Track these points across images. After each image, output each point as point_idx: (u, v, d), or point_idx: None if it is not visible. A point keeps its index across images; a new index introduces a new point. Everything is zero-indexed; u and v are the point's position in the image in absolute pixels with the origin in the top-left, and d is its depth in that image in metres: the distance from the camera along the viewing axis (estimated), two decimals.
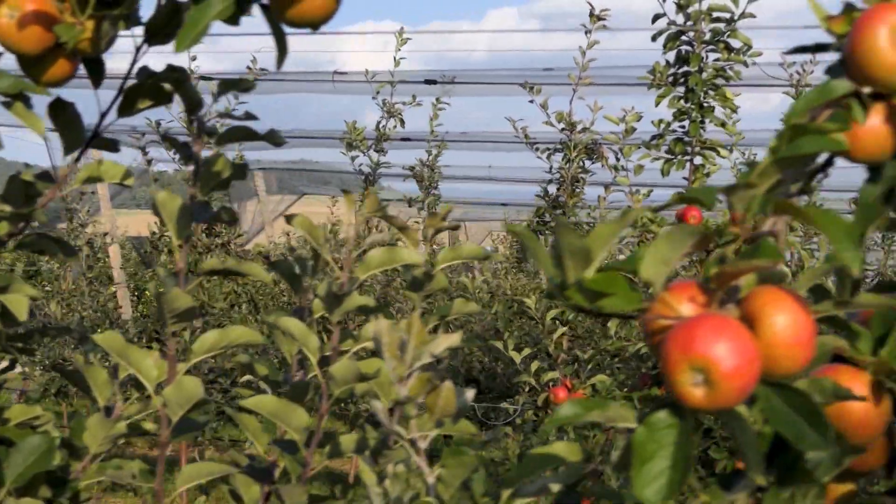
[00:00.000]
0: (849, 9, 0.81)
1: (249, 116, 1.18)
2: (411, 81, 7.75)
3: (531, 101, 6.05)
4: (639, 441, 0.73)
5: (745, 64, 3.57)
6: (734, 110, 3.55)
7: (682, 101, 3.52)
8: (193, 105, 1.16)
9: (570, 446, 0.87)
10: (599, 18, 5.26)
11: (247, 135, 1.20)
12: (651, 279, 0.73)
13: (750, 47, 3.53)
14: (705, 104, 3.53)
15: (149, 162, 6.31)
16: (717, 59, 3.52)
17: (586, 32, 5.41)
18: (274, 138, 1.19)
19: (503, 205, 14.42)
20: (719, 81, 3.52)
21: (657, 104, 3.58)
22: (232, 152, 7.32)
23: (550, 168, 5.25)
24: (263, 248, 9.15)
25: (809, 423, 0.73)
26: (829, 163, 0.87)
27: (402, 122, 6.49)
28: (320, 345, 1.23)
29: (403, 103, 6.50)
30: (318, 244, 1.20)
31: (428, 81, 7.59)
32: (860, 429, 0.85)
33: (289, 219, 1.20)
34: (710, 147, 3.54)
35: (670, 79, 3.57)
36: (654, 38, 3.54)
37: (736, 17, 3.51)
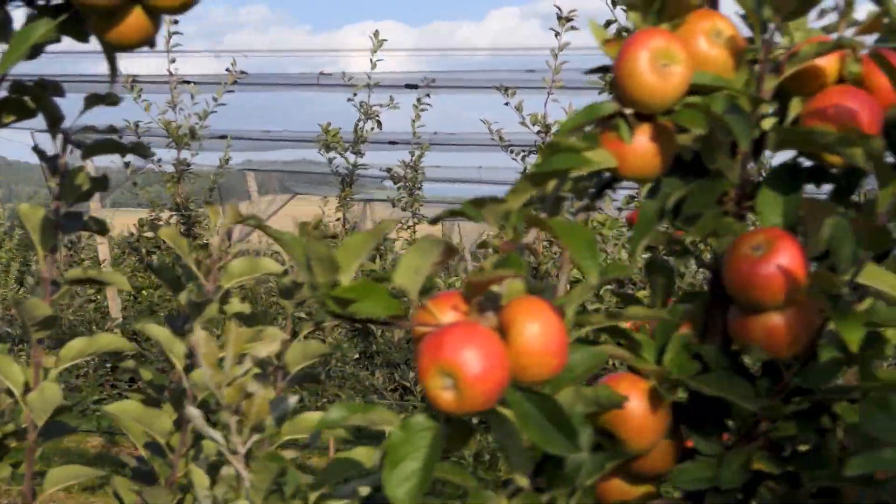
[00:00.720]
0: (620, 33, 0.85)
1: (112, 130, 1.22)
2: (389, 85, 7.79)
3: (506, 104, 6.11)
4: (393, 443, 0.77)
5: None
6: None
7: None
8: (54, 120, 1.20)
9: (370, 451, 0.91)
10: (568, 20, 5.30)
11: (114, 147, 1.24)
12: (405, 287, 0.77)
13: None
14: None
15: (126, 164, 6.35)
16: None
17: (556, 35, 5.46)
18: (140, 150, 1.24)
19: None
20: None
21: None
22: (219, 152, 7.38)
23: (524, 170, 5.27)
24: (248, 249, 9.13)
25: (558, 428, 0.77)
26: (613, 180, 0.91)
27: (380, 123, 6.54)
28: (187, 351, 1.28)
29: (381, 105, 6.55)
30: (184, 254, 1.24)
31: (409, 86, 7.62)
32: (639, 434, 0.89)
33: (154, 229, 1.24)
34: None
35: None
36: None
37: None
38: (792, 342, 0.85)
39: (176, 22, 6.43)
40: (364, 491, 0.94)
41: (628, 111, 0.83)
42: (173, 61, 6.52)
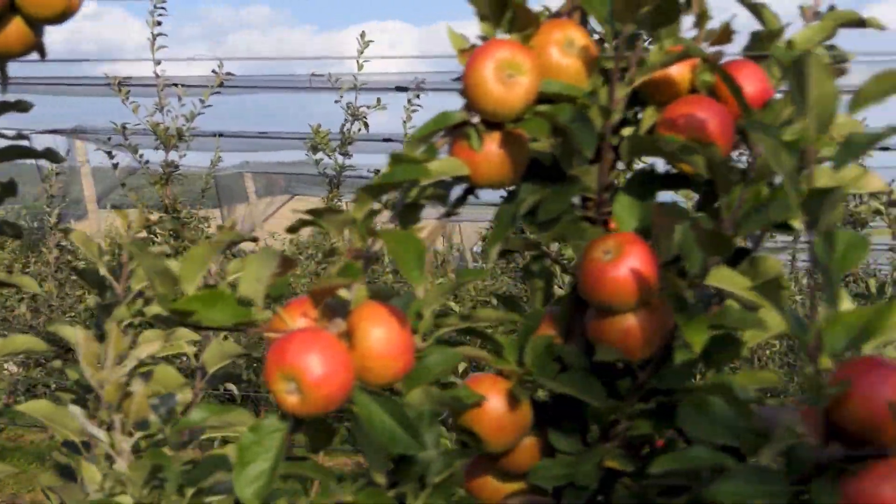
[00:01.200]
0: (474, 45, 0.88)
1: (21, 136, 1.24)
2: (379, 88, 7.82)
3: None
4: (244, 445, 0.80)
5: None
6: None
7: None
8: None
9: None
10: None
11: (23, 153, 1.26)
12: (250, 296, 0.80)
13: None
14: None
15: (115, 166, 6.38)
16: None
17: None
18: (51, 156, 1.26)
19: (495, 205, 14.48)
20: None
21: None
22: (211, 153, 7.41)
23: None
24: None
25: (402, 428, 0.79)
26: (469, 192, 0.93)
27: (367, 125, 6.56)
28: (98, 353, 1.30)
29: (368, 107, 6.58)
30: (94, 258, 1.27)
31: (399, 88, 7.64)
32: (498, 432, 0.92)
33: (65, 232, 1.27)
34: None
35: None
36: None
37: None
38: (644, 344, 0.88)
39: (159, 23, 6.47)
40: None
41: (476, 120, 0.85)
42: (159, 63, 6.55)
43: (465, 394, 0.89)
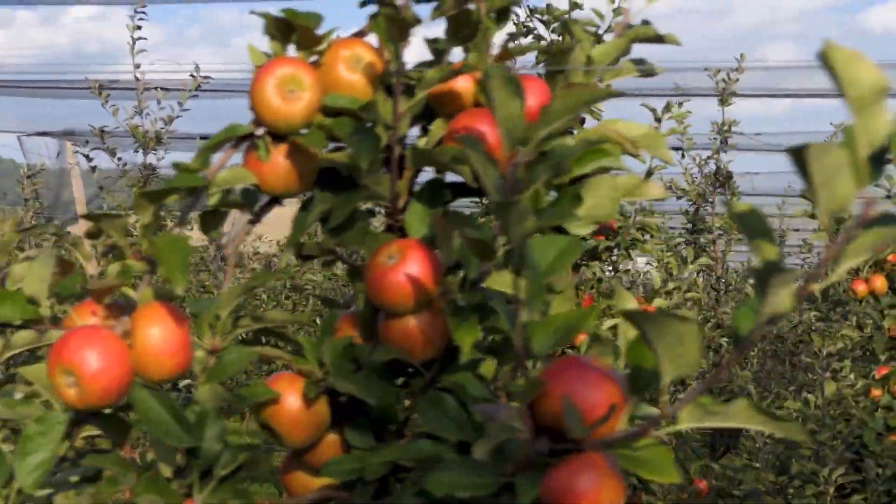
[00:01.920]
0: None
1: None
2: None
3: None
4: (27, 435, 0.85)
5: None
6: (598, 119, 3.65)
7: None
8: None
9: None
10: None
11: None
12: (34, 294, 0.85)
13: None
14: None
15: (93, 169, 6.43)
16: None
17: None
18: None
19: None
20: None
21: None
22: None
23: None
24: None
25: (176, 421, 0.84)
26: (274, 200, 0.98)
27: None
28: None
29: None
30: None
31: None
32: (294, 429, 0.97)
33: None
34: None
35: None
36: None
37: (602, 32, 3.61)
38: (426, 344, 0.93)
39: (139, 27, 6.52)
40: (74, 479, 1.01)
41: (260, 132, 0.91)
42: (138, 66, 6.60)
43: (260, 391, 0.94)
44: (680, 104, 6.83)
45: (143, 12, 6.73)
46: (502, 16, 1.02)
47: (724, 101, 6.32)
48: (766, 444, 3.21)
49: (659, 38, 1.05)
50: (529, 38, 3.65)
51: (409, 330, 0.92)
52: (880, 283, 3.35)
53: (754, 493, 3.40)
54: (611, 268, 3.94)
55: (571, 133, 1.07)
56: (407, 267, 0.91)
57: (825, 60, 0.57)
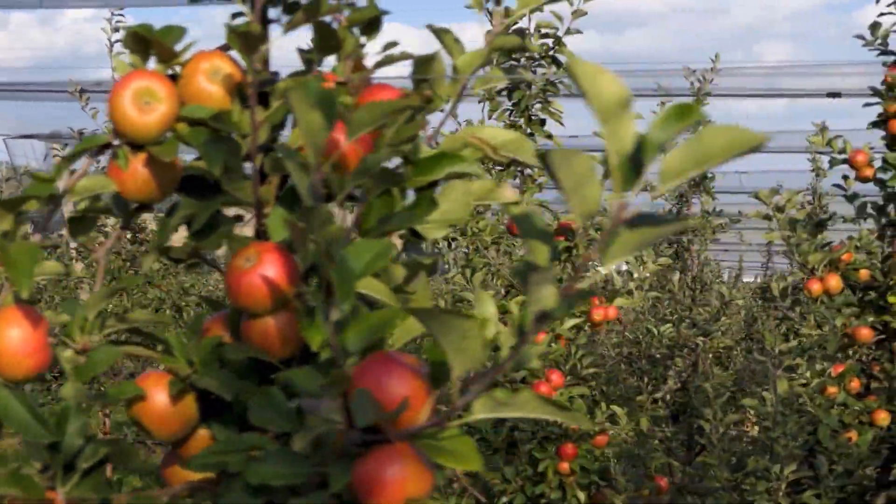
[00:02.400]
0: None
1: None
2: None
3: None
4: None
5: None
6: (560, 122, 3.70)
7: (509, 115, 3.67)
8: None
9: None
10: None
11: None
12: None
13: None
14: (534, 117, 3.68)
15: (72, 172, 6.48)
16: (543, 74, 3.67)
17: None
18: None
19: None
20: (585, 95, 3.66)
21: (489, 117, 3.73)
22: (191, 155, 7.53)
23: None
24: None
25: (34, 418, 0.89)
26: (143, 207, 1.02)
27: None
28: None
29: None
30: None
31: None
32: (162, 424, 1.01)
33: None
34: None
35: (504, 92, 3.72)
36: None
37: (562, 34, 3.66)
38: (283, 343, 0.97)
39: (116, 30, 6.57)
40: None
41: (117, 142, 0.95)
42: (115, 69, 6.64)
43: (126, 389, 0.98)
44: (662, 104, 6.88)
45: (122, 15, 6.80)
46: (371, 27, 1.07)
47: (699, 102, 6.37)
48: (720, 440, 3.25)
49: (522, 48, 1.10)
50: None
51: (267, 330, 0.96)
52: (835, 282, 3.39)
53: (712, 490, 3.44)
54: (570, 268, 3.97)
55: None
56: (263, 269, 0.95)
57: (571, 75, 0.61)
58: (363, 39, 1.07)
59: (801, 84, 10.06)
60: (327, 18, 0.99)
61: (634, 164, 0.63)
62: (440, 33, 1.12)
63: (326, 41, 1.02)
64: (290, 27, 0.95)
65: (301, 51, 1.06)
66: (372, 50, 1.09)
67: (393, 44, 1.09)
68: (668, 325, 4.65)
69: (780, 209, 3.20)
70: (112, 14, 6.60)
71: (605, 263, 0.66)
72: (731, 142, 0.61)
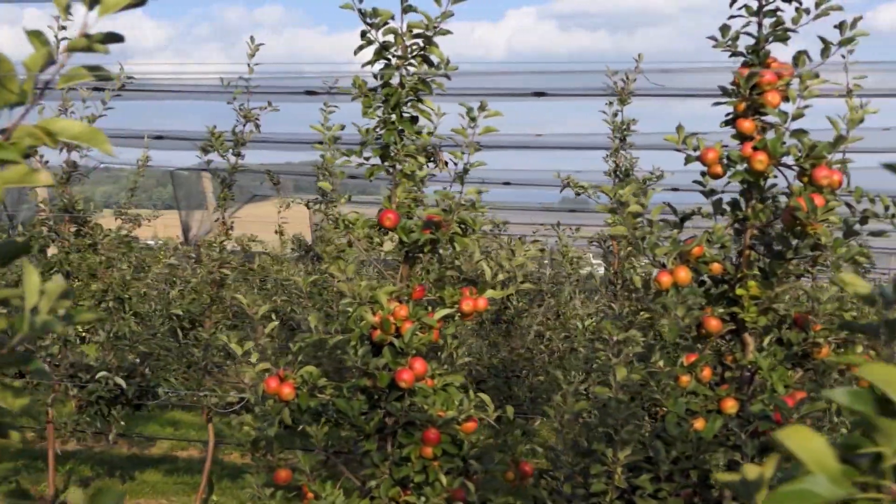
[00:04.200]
0: None
1: None
2: (291, 91, 8.07)
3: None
4: None
5: (448, 77, 3.85)
6: (429, 119, 3.82)
7: (380, 111, 3.80)
8: None
9: None
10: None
11: None
12: None
13: (448, 62, 3.81)
14: (405, 114, 3.81)
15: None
16: (414, 73, 3.79)
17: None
18: None
19: None
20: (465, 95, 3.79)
21: (364, 115, 3.86)
22: (179, 152, 7.70)
23: None
24: None
25: None
26: None
27: (258, 126, 6.80)
28: None
29: (261, 108, 6.80)
30: None
31: (308, 92, 7.90)
32: None
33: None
34: (409, 154, 3.81)
35: (379, 90, 3.85)
36: (356, 53, 3.81)
37: (432, 35, 3.79)
38: None
39: (64, 28, 6.71)
40: None
41: None
42: (63, 66, 6.78)
43: None
44: (610, 103, 6.98)
45: (70, 14, 6.93)
46: None
47: (622, 101, 6.49)
48: (564, 426, 3.38)
49: (88, 48, 1.23)
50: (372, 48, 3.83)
51: None
52: (684, 274, 3.51)
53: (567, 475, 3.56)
54: (450, 260, 4.10)
55: None
56: None
57: None
58: None
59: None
60: None
61: None
62: (31, 36, 1.25)
63: None
64: None
65: None
66: None
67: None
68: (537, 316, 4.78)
69: (623, 203, 3.32)
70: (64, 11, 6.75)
71: None
72: None
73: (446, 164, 4.77)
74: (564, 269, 6.87)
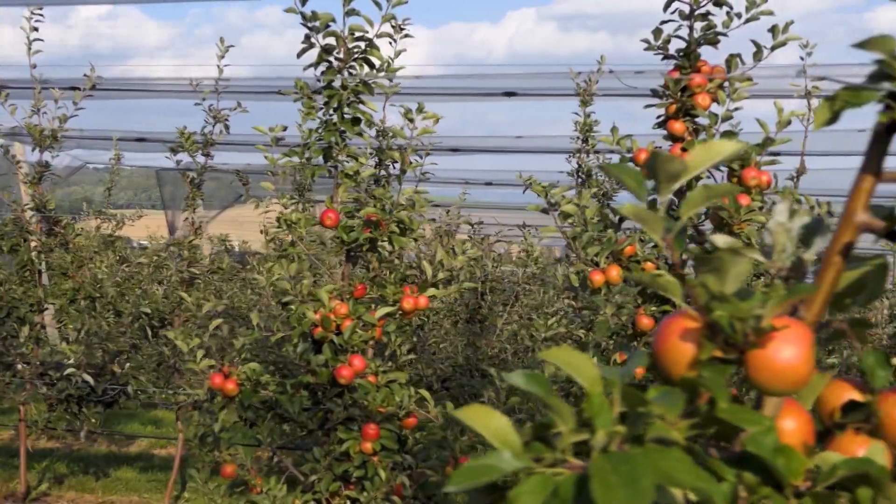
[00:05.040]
0: None
1: None
2: (264, 91, 8.13)
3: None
4: None
5: (390, 79, 3.92)
6: (370, 121, 3.89)
7: (322, 112, 3.87)
8: None
9: None
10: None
11: None
12: None
13: (389, 64, 3.88)
14: (347, 115, 3.88)
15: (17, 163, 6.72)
16: (354, 75, 3.87)
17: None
18: None
19: None
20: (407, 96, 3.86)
21: (306, 116, 3.93)
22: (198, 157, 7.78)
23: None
24: None
25: None
26: None
27: (227, 127, 6.86)
28: None
29: (231, 109, 6.87)
30: None
31: (280, 93, 7.95)
32: None
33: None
34: (351, 155, 3.89)
35: (322, 92, 3.92)
36: (298, 55, 3.88)
37: (373, 37, 3.86)
38: None
39: (35, 29, 6.79)
40: None
41: None
42: (34, 66, 6.86)
43: None
44: (583, 103, 7.04)
45: (41, 14, 7.02)
46: None
47: (584, 103, 6.56)
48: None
49: None
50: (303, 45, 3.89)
51: None
52: (615, 273, 3.57)
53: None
54: (393, 258, 4.17)
55: None
56: None
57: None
58: None
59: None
60: None
61: None
62: None
63: None
64: None
65: None
66: None
67: None
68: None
69: (553, 204, 3.38)
70: (32, 13, 6.78)
71: None
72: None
73: (411, 163, 4.85)
74: (530, 268, 6.94)
